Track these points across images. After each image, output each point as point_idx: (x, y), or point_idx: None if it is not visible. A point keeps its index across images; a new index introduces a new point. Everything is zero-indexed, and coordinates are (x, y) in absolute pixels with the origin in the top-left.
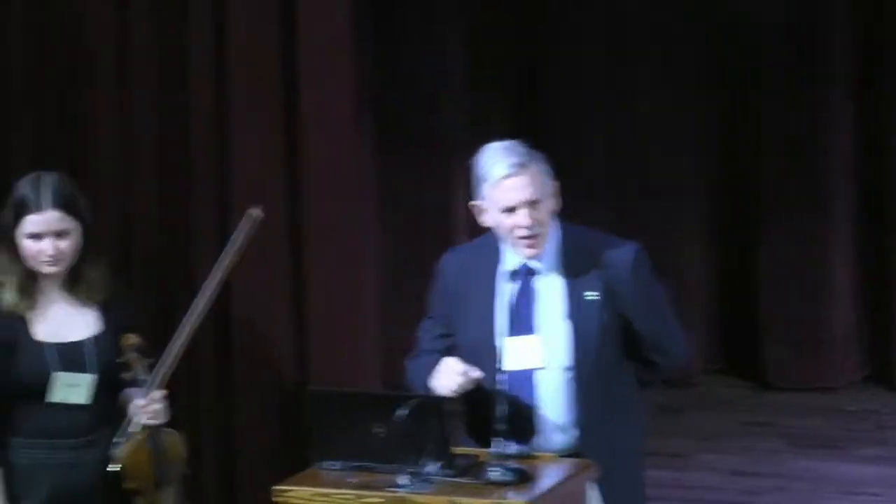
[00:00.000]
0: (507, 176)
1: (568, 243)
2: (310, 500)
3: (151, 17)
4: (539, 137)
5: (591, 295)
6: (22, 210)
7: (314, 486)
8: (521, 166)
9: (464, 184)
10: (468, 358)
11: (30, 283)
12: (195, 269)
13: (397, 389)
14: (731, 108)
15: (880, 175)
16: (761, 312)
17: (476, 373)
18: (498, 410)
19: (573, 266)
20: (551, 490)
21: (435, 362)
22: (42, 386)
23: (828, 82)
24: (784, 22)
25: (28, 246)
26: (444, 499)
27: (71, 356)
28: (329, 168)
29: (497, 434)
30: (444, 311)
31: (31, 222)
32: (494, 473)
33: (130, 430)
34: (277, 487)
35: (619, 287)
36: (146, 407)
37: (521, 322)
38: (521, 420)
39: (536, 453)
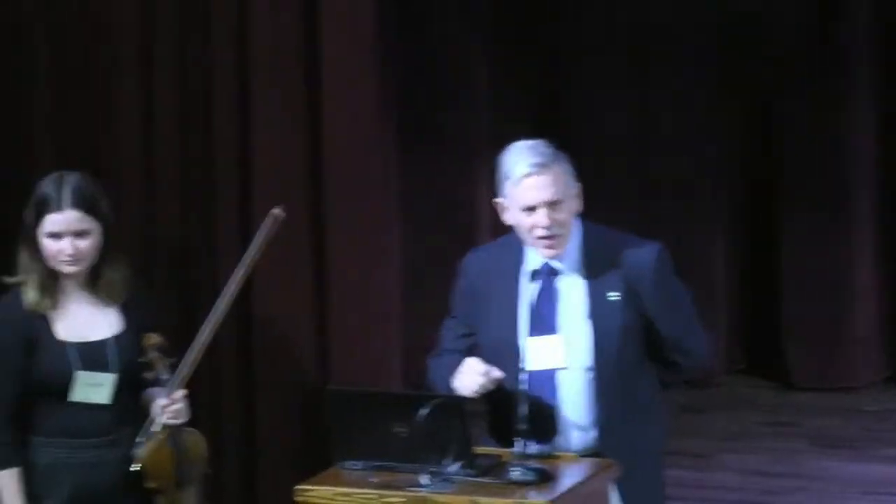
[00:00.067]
0: (529, 175)
1: (589, 243)
2: (331, 499)
3: (175, 16)
4: (561, 136)
5: (613, 295)
6: (43, 209)
7: (335, 485)
8: (543, 166)
9: (487, 182)
10: (490, 357)
11: (51, 282)
12: (218, 269)
13: (419, 389)
14: (753, 109)
15: None
16: (783, 313)
17: (497, 373)
18: (519, 410)
19: (595, 266)
20: (572, 490)
21: (457, 362)
22: (64, 385)
23: (849, 83)
24: (806, 23)
25: (48, 245)
26: (466, 498)
27: (93, 355)
28: (351, 167)
29: (518, 434)
30: (466, 311)
31: (52, 221)
32: (516, 473)
33: (152, 429)
34: (299, 487)
35: (640, 287)
36: (168, 406)
37: (543, 322)
38: (543, 420)
39: (558, 453)
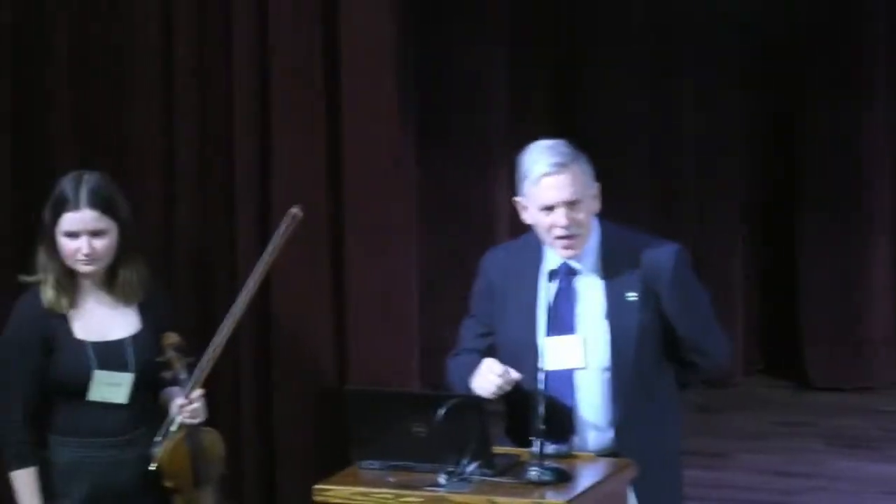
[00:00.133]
0: (548, 174)
1: (608, 243)
2: (349, 499)
3: (195, 19)
4: (579, 137)
5: (631, 295)
6: (60, 208)
7: (353, 485)
8: (562, 166)
9: (505, 183)
10: (509, 357)
11: (68, 280)
12: (236, 269)
13: (436, 389)
14: (770, 109)
15: None
16: (801, 313)
17: (515, 374)
18: (537, 410)
19: (613, 266)
20: (590, 490)
21: (475, 361)
22: (82, 384)
23: (869, 85)
24: (824, 23)
25: (65, 244)
26: (483, 498)
27: (111, 355)
28: (370, 168)
29: (536, 434)
30: (485, 310)
31: (68, 220)
32: (533, 473)
33: (170, 429)
34: (317, 486)
35: (658, 287)
36: (185, 406)
37: (562, 322)
38: (560, 420)
39: (575, 453)
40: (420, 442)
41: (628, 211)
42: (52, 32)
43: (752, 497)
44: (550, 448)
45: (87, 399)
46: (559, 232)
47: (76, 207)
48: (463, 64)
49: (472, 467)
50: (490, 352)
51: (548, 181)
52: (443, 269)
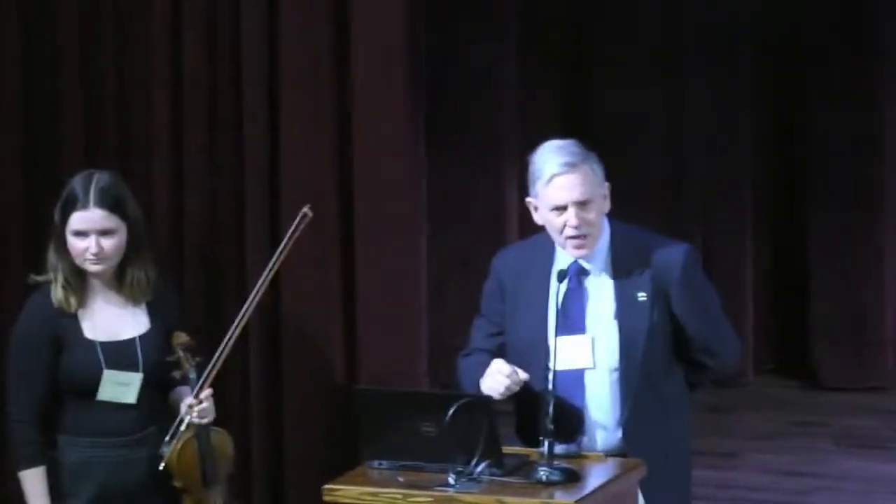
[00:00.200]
0: (559, 174)
1: (618, 243)
2: (358, 498)
3: (204, 18)
4: (589, 136)
5: (642, 295)
6: (70, 207)
7: (363, 485)
8: (572, 166)
9: (515, 182)
10: (519, 357)
11: (77, 279)
12: (246, 269)
13: (445, 388)
14: (779, 108)
15: None
16: (811, 312)
17: (523, 375)
18: (547, 410)
19: (623, 266)
20: (599, 490)
21: (486, 361)
22: (92, 384)
23: (879, 84)
24: (837, 23)
25: (74, 243)
26: (493, 498)
27: (120, 355)
28: (379, 166)
29: (545, 434)
30: (495, 310)
31: (77, 219)
32: (542, 473)
33: (179, 428)
34: (326, 486)
35: (668, 288)
36: (195, 406)
37: (572, 321)
38: (570, 420)
39: (584, 453)
40: (429, 442)
41: (637, 210)
42: (61, 33)
43: (761, 497)
44: (559, 448)
45: (96, 399)
46: (570, 232)
47: (85, 206)
48: (472, 63)
49: (481, 467)
50: (501, 351)
51: (558, 181)
52: (451, 268)
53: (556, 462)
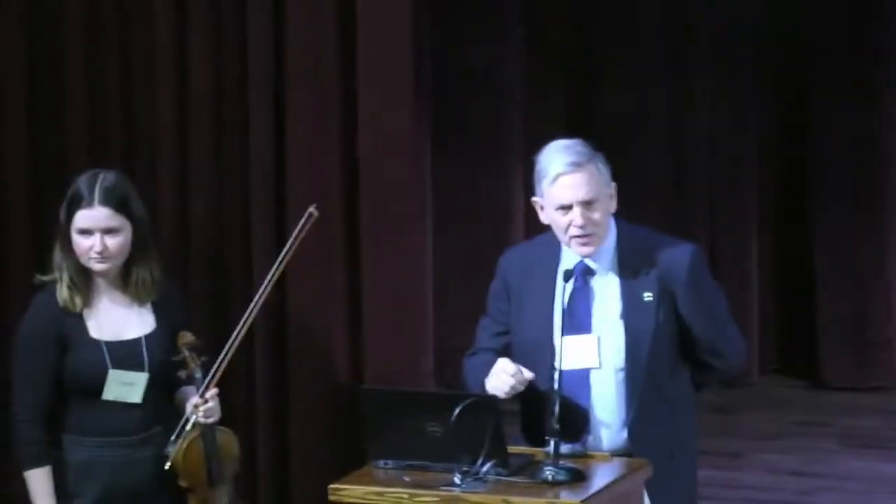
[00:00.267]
0: (564, 174)
1: (624, 243)
2: (364, 498)
3: (210, 18)
4: (595, 135)
5: (648, 295)
6: (75, 205)
7: (368, 484)
8: (578, 165)
9: (520, 182)
10: (524, 356)
11: (82, 279)
12: (252, 268)
13: (451, 388)
14: (784, 107)
15: None
16: (817, 312)
17: (528, 374)
18: (552, 410)
19: (629, 266)
20: (605, 489)
21: (491, 361)
22: (97, 383)
23: (885, 82)
24: (842, 21)
25: (79, 241)
26: (498, 498)
27: (126, 354)
28: (385, 166)
29: (551, 433)
30: (501, 309)
31: (82, 217)
32: (548, 473)
33: (185, 428)
34: (332, 486)
35: (675, 288)
36: (200, 405)
37: (578, 321)
38: (575, 419)
39: (590, 453)
40: (435, 441)
41: (643, 209)
42: (67, 32)
43: (766, 497)
44: (565, 448)
45: (101, 398)
46: (576, 231)
47: (90, 205)
48: (478, 62)
49: (486, 467)
50: (506, 351)
51: (564, 180)
52: (457, 268)
53: (561, 462)
